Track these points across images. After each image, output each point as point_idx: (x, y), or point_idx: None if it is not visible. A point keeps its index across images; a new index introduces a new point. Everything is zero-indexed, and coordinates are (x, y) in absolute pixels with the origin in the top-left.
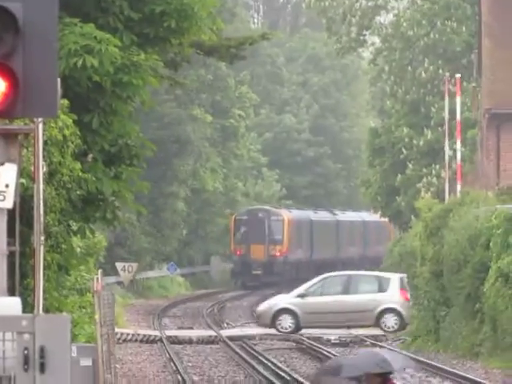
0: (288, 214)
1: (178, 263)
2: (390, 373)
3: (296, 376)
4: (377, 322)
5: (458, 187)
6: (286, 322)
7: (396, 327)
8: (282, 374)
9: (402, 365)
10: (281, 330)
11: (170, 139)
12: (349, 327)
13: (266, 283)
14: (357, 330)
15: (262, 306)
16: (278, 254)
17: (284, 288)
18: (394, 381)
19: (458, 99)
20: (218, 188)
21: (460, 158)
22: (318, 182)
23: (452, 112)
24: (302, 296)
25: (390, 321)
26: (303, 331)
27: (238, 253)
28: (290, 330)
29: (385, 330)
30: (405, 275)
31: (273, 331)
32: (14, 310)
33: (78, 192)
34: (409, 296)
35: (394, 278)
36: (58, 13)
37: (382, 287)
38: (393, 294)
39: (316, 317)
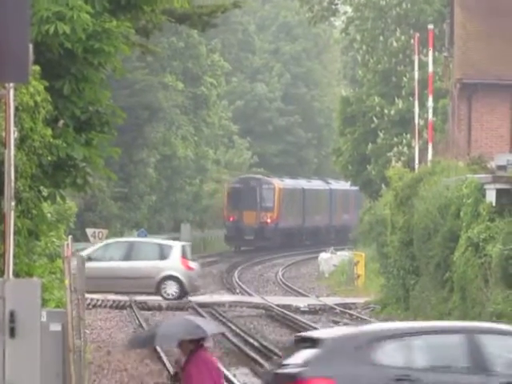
0: (279, 183)
1: (147, 230)
2: (203, 338)
3: (265, 343)
4: (158, 289)
5: (429, 155)
6: None
7: (176, 295)
8: (251, 341)
9: (214, 330)
10: None
11: (141, 106)
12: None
13: (258, 247)
14: (326, 298)
15: None
16: (268, 220)
17: (275, 253)
18: (206, 345)
19: (430, 51)
20: (188, 155)
21: (432, 113)
22: (289, 151)
23: (423, 82)
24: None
25: (171, 288)
26: (271, 299)
27: (231, 219)
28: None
29: (165, 298)
30: (188, 243)
31: (242, 298)
32: None
33: (48, 158)
34: (191, 264)
35: (176, 246)
36: None
37: (163, 255)
38: (174, 261)
39: (99, 281)
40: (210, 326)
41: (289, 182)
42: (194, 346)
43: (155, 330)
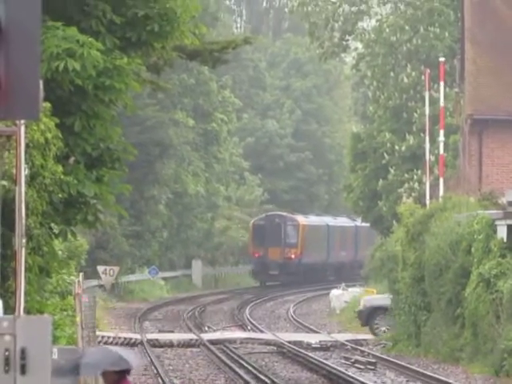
0: (303, 220)
1: (159, 267)
2: (128, 370)
3: (277, 380)
4: None
5: (440, 190)
6: None
7: None
8: (263, 378)
9: (136, 362)
10: None
11: (152, 143)
12: (329, 332)
13: (283, 282)
14: (337, 335)
15: None
16: (293, 256)
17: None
18: (129, 378)
19: (442, 84)
20: (199, 192)
21: (443, 148)
22: (299, 187)
23: (434, 118)
24: None
25: None
26: (282, 336)
27: (257, 255)
28: None
29: None
30: None
31: (253, 335)
32: None
33: (59, 195)
34: None
35: None
36: (41, 15)
37: None
38: None
39: None
40: (132, 358)
41: (313, 219)
42: (118, 376)
43: (80, 359)
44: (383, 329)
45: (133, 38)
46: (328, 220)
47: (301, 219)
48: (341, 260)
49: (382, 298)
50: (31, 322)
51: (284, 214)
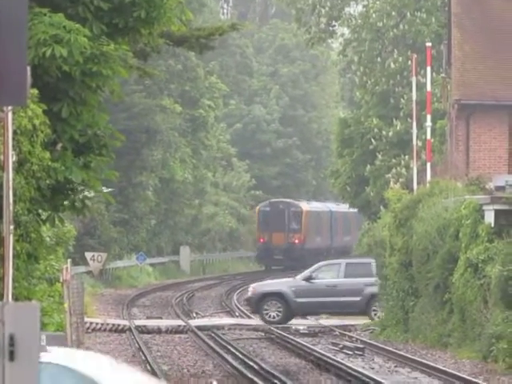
0: (306, 206)
1: (147, 253)
2: None
3: (265, 366)
4: None
5: (428, 176)
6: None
7: None
8: (251, 364)
9: None
10: None
11: (139, 129)
12: (317, 318)
13: (287, 267)
14: (325, 321)
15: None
16: (296, 241)
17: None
18: None
19: (428, 70)
20: (187, 178)
21: (430, 133)
22: (287, 173)
23: (421, 103)
24: None
25: None
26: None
27: (262, 240)
28: None
29: None
30: None
31: (241, 321)
32: None
33: (47, 181)
34: None
35: None
36: (28, 2)
37: None
38: None
39: None
40: None
41: (316, 205)
42: None
43: None
44: (273, 314)
45: (120, 25)
46: (331, 206)
47: (304, 205)
48: (344, 245)
49: (270, 284)
50: (19, 308)
51: (288, 200)
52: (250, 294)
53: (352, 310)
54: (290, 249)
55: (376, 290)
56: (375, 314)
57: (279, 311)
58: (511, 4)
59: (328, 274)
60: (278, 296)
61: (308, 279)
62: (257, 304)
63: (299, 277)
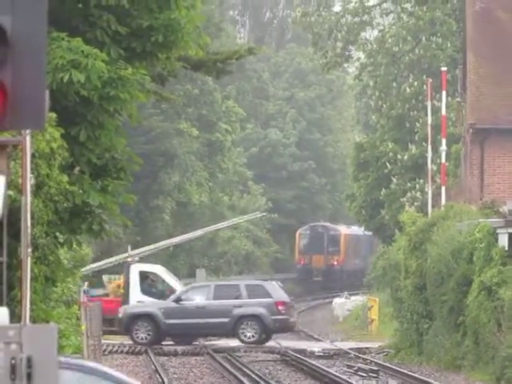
0: (345, 229)
1: None
2: None
3: None
4: None
5: (443, 199)
6: None
7: None
8: None
9: None
10: None
11: (157, 153)
12: (332, 341)
13: (326, 288)
14: (341, 343)
15: None
16: (335, 263)
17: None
18: None
19: (444, 94)
20: (203, 201)
21: (445, 157)
22: (302, 196)
23: (436, 127)
24: None
25: None
26: (286, 344)
27: (302, 262)
28: None
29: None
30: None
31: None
32: (1, 320)
33: (64, 204)
34: None
35: None
36: (47, 27)
37: None
38: None
39: None
40: None
41: (354, 229)
42: None
43: None
44: (143, 336)
45: (137, 49)
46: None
47: (343, 229)
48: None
49: (141, 306)
50: (37, 330)
51: (327, 224)
52: (120, 314)
53: (220, 332)
54: (329, 270)
55: (245, 312)
56: (244, 335)
57: (149, 332)
58: None
59: (197, 296)
60: (148, 317)
61: (177, 301)
62: (127, 325)
63: (170, 298)
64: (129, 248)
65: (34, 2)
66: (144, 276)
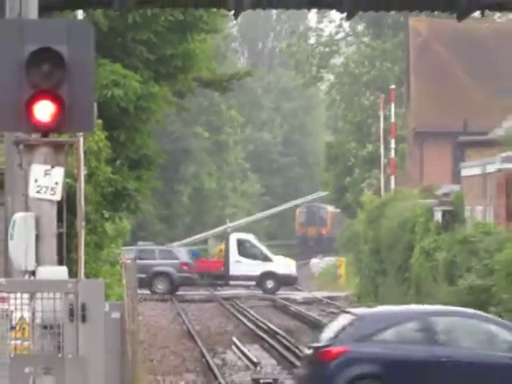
0: (331, 209)
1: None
2: None
3: (272, 326)
4: None
5: (392, 185)
6: None
7: None
8: (261, 325)
9: None
10: None
11: (178, 150)
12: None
13: (318, 251)
14: (318, 292)
15: None
16: (324, 232)
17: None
18: None
19: (393, 106)
20: (213, 187)
21: (394, 153)
22: (288, 183)
23: (387, 131)
24: None
25: None
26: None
27: (300, 231)
28: None
29: None
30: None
31: (253, 293)
32: (62, 276)
33: (109, 189)
34: None
35: None
36: (94, 55)
37: None
38: None
39: None
40: None
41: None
42: None
43: None
44: None
45: (163, 71)
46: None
47: (330, 208)
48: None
49: None
50: (89, 283)
51: (318, 204)
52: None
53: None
54: (319, 238)
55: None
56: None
57: None
58: (454, 55)
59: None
60: None
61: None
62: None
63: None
64: (227, 221)
65: (85, 36)
66: (240, 242)
